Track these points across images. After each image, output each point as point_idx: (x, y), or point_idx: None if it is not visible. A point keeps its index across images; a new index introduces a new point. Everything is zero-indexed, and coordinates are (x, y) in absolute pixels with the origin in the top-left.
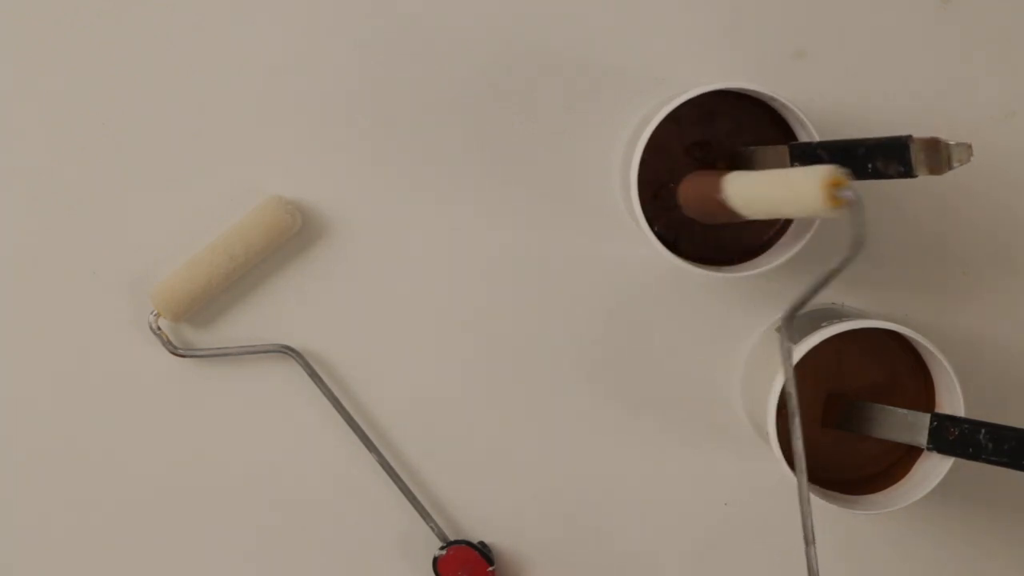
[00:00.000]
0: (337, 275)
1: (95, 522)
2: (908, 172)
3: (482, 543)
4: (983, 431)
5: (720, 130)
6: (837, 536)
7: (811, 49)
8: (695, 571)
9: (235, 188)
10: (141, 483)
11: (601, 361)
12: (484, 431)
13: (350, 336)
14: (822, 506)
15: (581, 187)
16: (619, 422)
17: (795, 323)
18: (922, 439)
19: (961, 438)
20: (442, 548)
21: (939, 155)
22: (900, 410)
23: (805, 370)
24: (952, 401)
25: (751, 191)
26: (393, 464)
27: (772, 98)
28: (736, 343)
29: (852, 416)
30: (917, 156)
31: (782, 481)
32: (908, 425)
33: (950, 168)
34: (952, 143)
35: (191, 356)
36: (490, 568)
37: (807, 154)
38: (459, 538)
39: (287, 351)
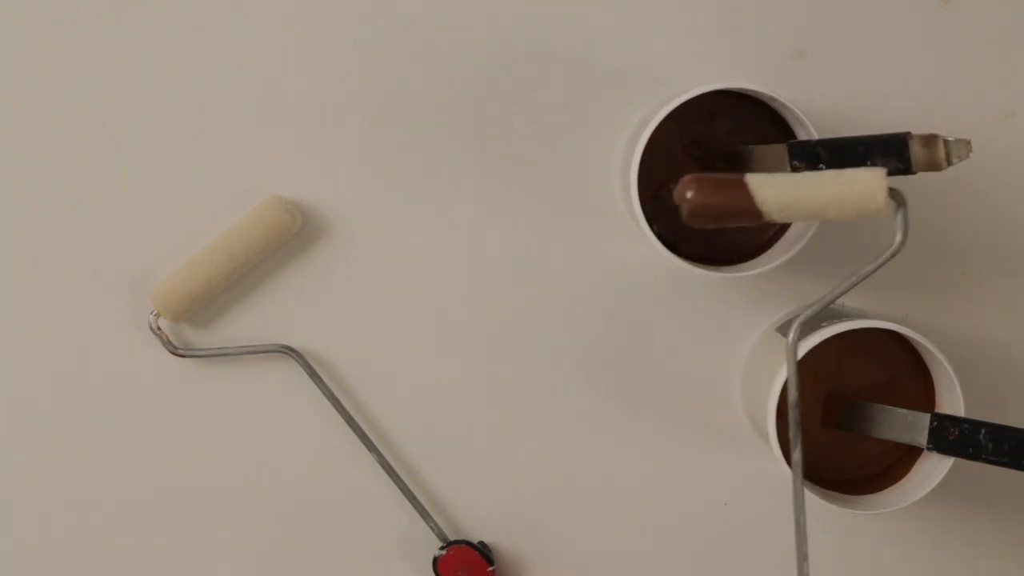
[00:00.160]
0: (337, 275)
1: (95, 522)
2: (907, 169)
3: (482, 543)
4: (983, 431)
5: (720, 130)
6: (837, 536)
7: (811, 49)
8: (695, 571)
9: (235, 188)
10: (141, 483)
11: (601, 361)
12: (484, 431)
13: (350, 336)
14: (822, 506)
15: (581, 187)
16: (619, 422)
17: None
18: (922, 439)
19: (961, 438)
20: (442, 548)
21: (938, 151)
22: (900, 410)
23: (805, 370)
24: (952, 401)
25: (791, 195)
26: (393, 464)
27: (772, 98)
28: (736, 343)
29: (852, 416)
30: (916, 152)
31: (782, 481)
32: (908, 425)
33: (949, 164)
34: (951, 139)
35: (191, 356)
36: (490, 568)
37: (806, 152)
38: (459, 538)
39: (287, 351)
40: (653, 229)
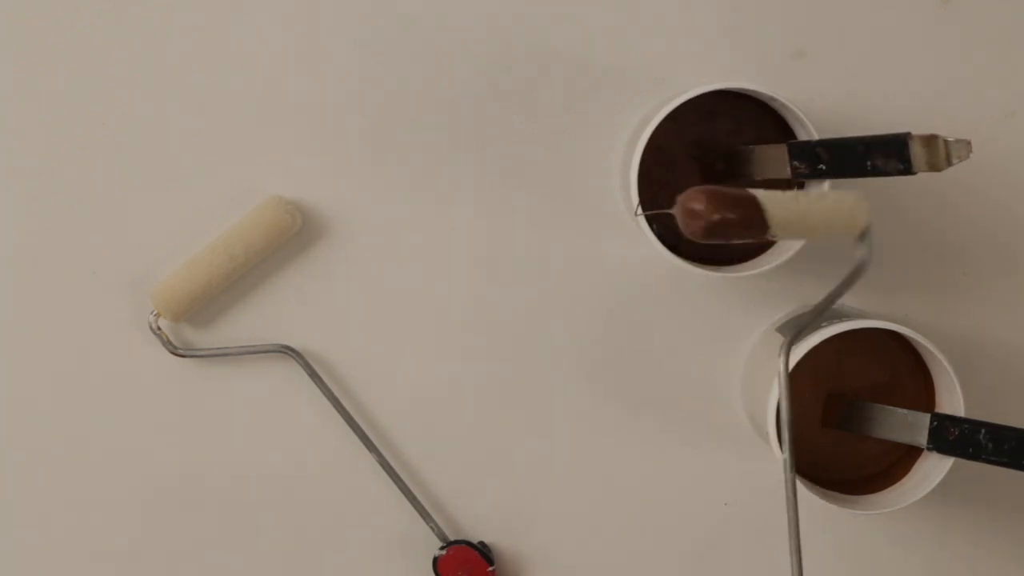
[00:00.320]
0: (337, 275)
1: (95, 522)
2: (908, 169)
3: (482, 543)
4: (983, 431)
5: (720, 130)
6: (837, 536)
7: (811, 49)
8: (695, 571)
9: (235, 188)
10: (141, 483)
11: (601, 361)
12: (484, 431)
13: (350, 336)
14: (822, 506)
15: (581, 187)
16: (619, 422)
17: (795, 323)
18: (922, 439)
19: (961, 438)
20: (442, 548)
21: (938, 152)
22: (900, 410)
23: (805, 370)
24: (952, 401)
25: (794, 211)
26: (393, 464)
27: (772, 98)
28: (736, 343)
29: (852, 416)
30: (916, 153)
31: (782, 481)
32: (908, 425)
33: (949, 164)
34: (951, 139)
35: (191, 356)
36: (490, 568)
37: (806, 152)
38: (459, 538)
39: (287, 351)
40: (653, 229)
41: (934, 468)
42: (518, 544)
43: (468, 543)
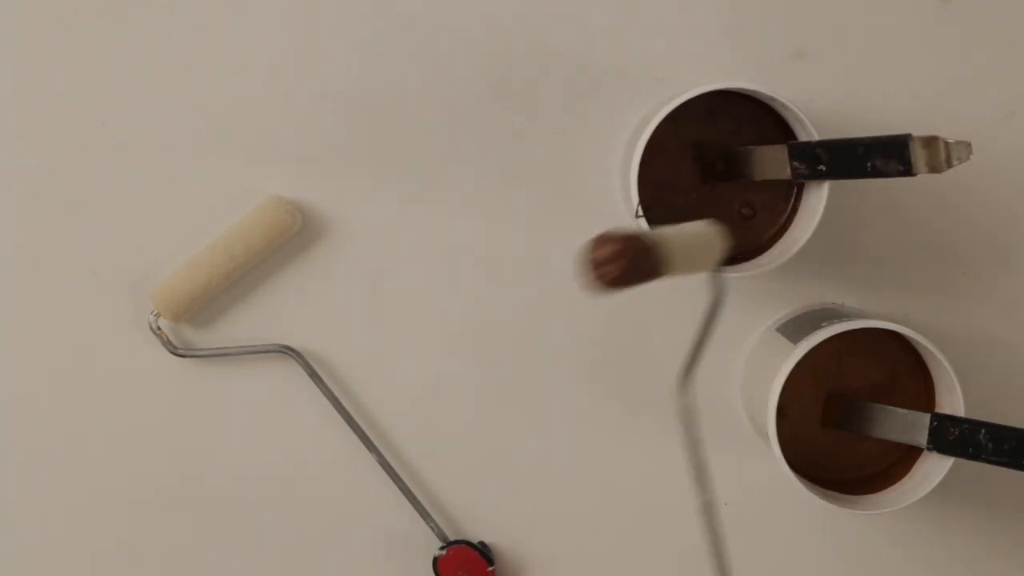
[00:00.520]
0: (337, 275)
1: (95, 522)
2: (908, 170)
3: (482, 543)
4: (983, 431)
5: (720, 130)
6: (837, 536)
7: (811, 49)
8: (695, 571)
9: (235, 188)
10: (141, 483)
11: (601, 361)
12: (484, 431)
13: (350, 336)
14: (822, 506)
15: (581, 187)
16: (619, 422)
17: (795, 324)
18: (922, 439)
19: (961, 438)
20: (442, 548)
21: (938, 153)
22: (900, 410)
23: (805, 370)
24: (952, 401)
25: (681, 247)
26: (393, 464)
27: (772, 98)
28: (736, 343)
29: (852, 416)
30: (917, 154)
31: (782, 481)
32: (908, 425)
33: (950, 166)
34: (952, 141)
35: (191, 356)
36: (490, 568)
37: (805, 153)
38: (459, 538)
39: (287, 351)
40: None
41: (934, 468)
42: (518, 544)
43: (468, 543)
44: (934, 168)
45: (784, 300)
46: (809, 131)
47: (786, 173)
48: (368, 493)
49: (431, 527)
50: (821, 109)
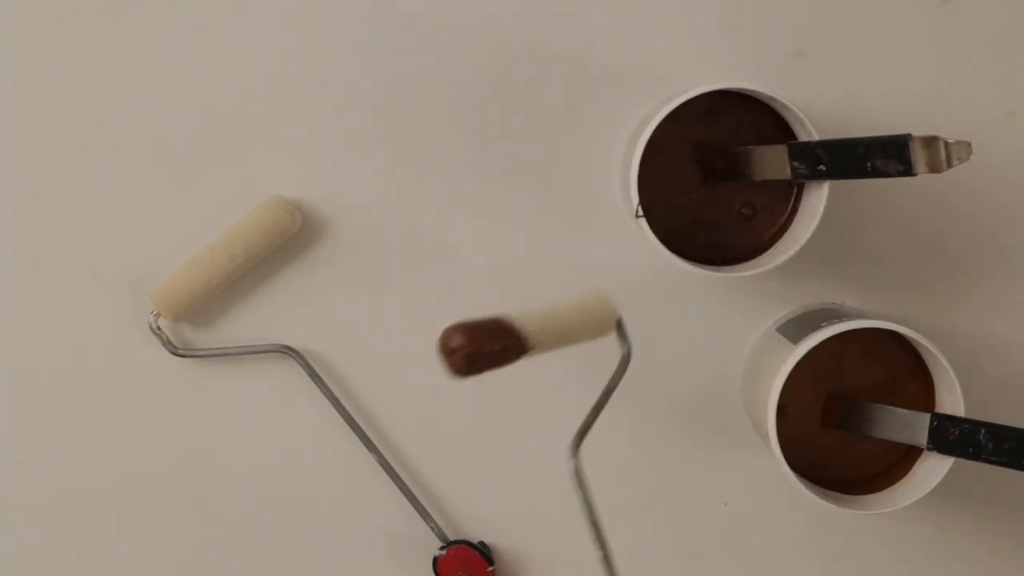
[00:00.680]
0: (337, 275)
1: (95, 522)
2: (908, 170)
3: (482, 543)
4: (983, 431)
5: (720, 130)
6: (837, 536)
7: (811, 49)
8: (695, 571)
9: (235, 188)
10: (141, 483)
11: (601, 361)
12: (484, 431)
13: (350, 336)
14: (822, 506)
15: (581, 187)
16: (619, 422)
17: (795, 324)
18: (922, 439)
19: (961, 438)
20: (442, 548)
21: (939, 153)
22: (900, 410)
23: (805, 370)
24: (952, 401)
25: (547, 322)
26: (393, 464)
27: (772, 98)
28: (736, 343)
29: (852, 416)
30: (917, 154)
31: (782, 481)
32: (908, 425)
33: (950, 166)
34: (952, 141)
35: (191, 356)
36: (490, 568)
37: (806, 153)
38: (459, 538)
39: (287, 351)
40: (653, 229)
41: (934, 468)
42: (518, 544)
43: (468, 543)
44: (934, 168)
45: (784, 300)
46: (809, 131)
47: (786, 173)
48: (368, 493)
49: (431, 527)
50: (821, 109)
